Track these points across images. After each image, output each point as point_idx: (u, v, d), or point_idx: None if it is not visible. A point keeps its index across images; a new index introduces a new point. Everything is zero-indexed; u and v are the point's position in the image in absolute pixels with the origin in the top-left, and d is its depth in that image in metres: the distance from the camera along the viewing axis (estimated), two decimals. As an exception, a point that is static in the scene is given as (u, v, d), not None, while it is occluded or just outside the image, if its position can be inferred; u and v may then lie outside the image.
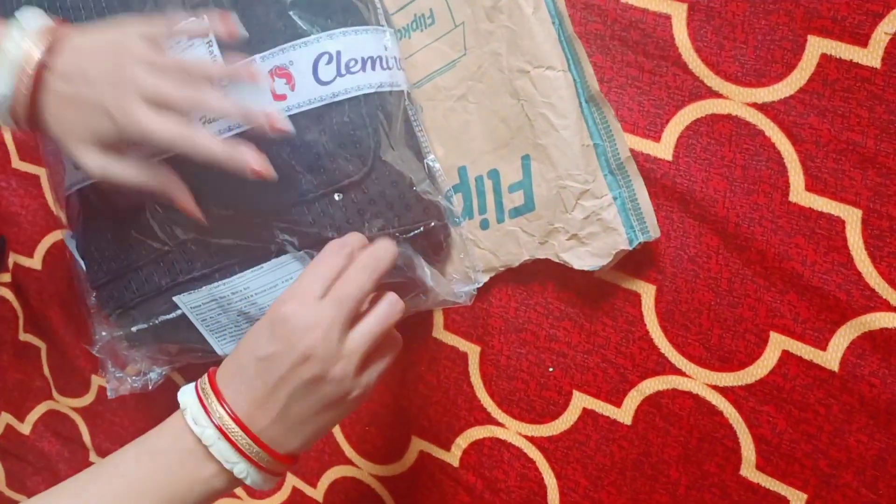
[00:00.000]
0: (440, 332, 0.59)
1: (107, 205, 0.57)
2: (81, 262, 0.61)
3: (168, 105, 0.45)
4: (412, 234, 0.52)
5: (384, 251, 0.45)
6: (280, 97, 0.50)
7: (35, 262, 0.76)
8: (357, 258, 0.44)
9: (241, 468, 0.43)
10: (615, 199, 0.49)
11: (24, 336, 0.80)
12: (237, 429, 0.42)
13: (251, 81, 0.48)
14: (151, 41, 0.47)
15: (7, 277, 0.79)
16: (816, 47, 0.45)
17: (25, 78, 0.46)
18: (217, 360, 0.60)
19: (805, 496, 0.49)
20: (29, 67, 0.46)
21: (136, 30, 0.47)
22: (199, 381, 0.45)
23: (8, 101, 0.46)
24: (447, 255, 0.56)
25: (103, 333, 0.61)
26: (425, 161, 0.53)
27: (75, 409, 0.80)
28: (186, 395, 0.44)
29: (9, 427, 0.84)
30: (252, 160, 0.45)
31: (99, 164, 0.47)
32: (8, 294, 0.79)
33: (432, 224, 0.52)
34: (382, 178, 0.51)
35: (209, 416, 0.43)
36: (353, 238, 0.46)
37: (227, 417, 0.43)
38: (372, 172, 0.50)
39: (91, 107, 0.46)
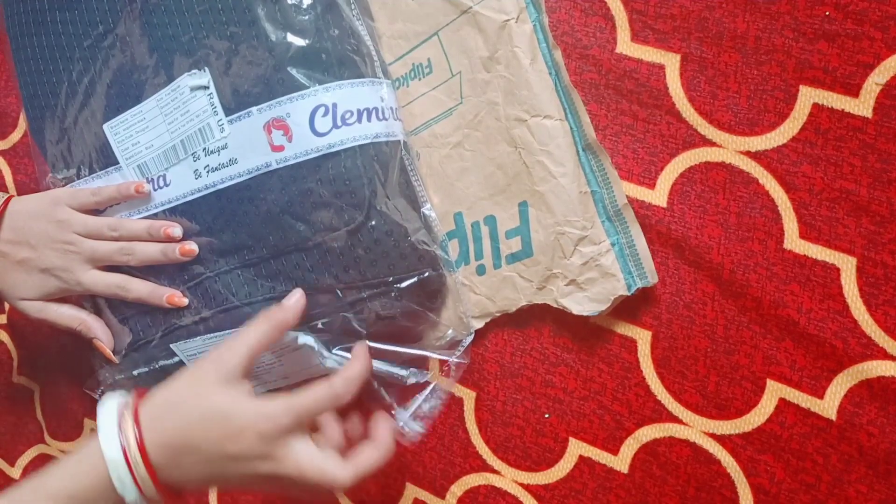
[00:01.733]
0: (436, 378, 0.59)
1: None
2: (87, 305, 0.61)
3: (106, 262, 0.57)
4: (406, 283, 0.52)
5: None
6: (278, 148, 0.51)
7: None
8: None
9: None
10: (613, 245, 0.49)
11: (17, 378, 0.79)
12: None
13: (166, 238, 0.56)
14: (80, 206, 0.57)
15: (3, 319, 0.79)
16: (808, 97, 0.46)
17: None
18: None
19: (805, 547, 0.49)
20: None
21: (65, 199, 0.57)
22: (124, 404, 0.47)
23: None
24: (442, 303, 0.56)
25: (107, 375, 0.61)
26: (421, 210, 0.54)
27: (66, 453, 0.79)
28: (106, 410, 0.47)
29: (-1, 471, 0.83)
30: (171, 298, 0.56)
31: (38, 310, 0.58)
32: (4, 336, 0.79)
33: (427, 273, 0.52)
34: (378, 228, 0.51)
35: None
36: (344, 386, 0.48)
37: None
38: (368, 222, 0.51)
39: (39, 271, 0.56)
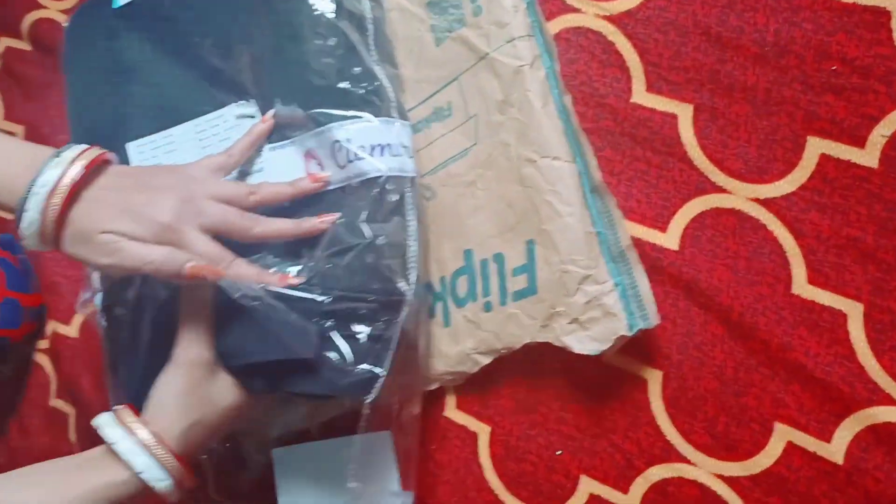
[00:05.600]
0: (452, 412, 0.60)
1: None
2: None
3: (228, 233, 0.50)
4: (367, 307, 0.52)
5: None
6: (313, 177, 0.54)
7: (72, 330, 0.79)
8: None
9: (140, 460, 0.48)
10: (616, 285, 0.50)
11: (54, 402, 0.82)
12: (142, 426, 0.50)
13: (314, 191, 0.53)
14: (217, 172, 0.52)
15: (45, 344, 0.82)
16: (816, 147, 0.47)
17: (56, 200, 0.47)
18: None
19: (812, 593, 0.49)
20: (60, 192, 0.47)
21: (201, 164, 0.52)
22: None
23: (35, 226, 0.47)
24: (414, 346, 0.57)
25: None
26: (406, 249, 0.54)
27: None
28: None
29: (33, 492, 0.86)
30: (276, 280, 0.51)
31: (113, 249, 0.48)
32: (44, 360, 0.82)
33: (381, 301, 0.53)
34: (365, 255, 0.52)
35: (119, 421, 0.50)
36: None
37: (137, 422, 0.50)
38: (355, 247, 0.52)
39: (138, 205, 0.48)
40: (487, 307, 0.55)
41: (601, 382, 0.55)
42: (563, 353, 0.54)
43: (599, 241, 0.50)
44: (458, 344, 0.57)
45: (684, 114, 0.51)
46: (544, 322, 0.53)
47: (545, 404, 0.57)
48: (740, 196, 0.50)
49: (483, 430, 0.59)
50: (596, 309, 0.50)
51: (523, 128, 0.52)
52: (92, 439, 0.80)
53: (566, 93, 0.52)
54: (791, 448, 0.49)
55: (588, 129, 0.53)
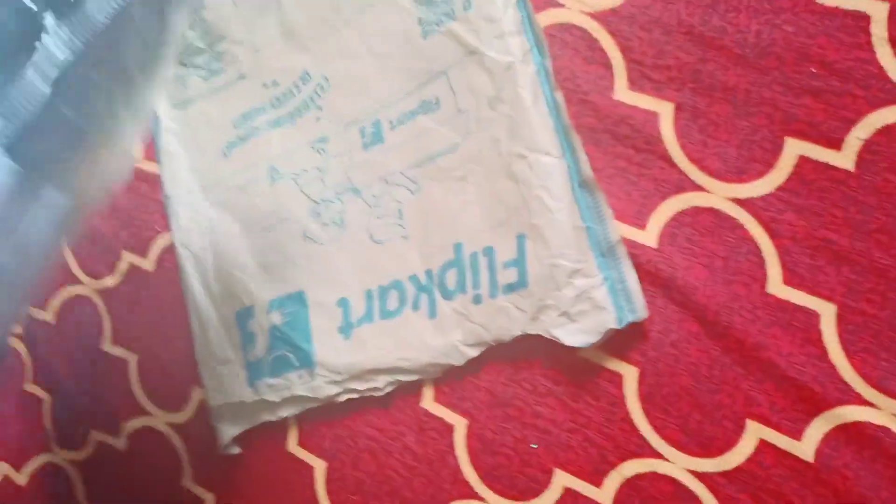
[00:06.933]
0: (429, 403, 0.61)
1: None
2: None
3: None
4: None
5: None
6: None
7: (48, 316, 0.79)
8: None
9: None
10: (605, 279, 0.51)
11: (29, 387, 0.82)
12: None
13: None
14: None
15: (18, 329, 0.82)
16: (794, 149, 0.48)
17: None
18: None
19: (779, 588, 0.50)
20: None
21: None
22: None
23: None
24: None
25: None
26: None
27: (72, 462, 0.81)
28: None
29: (6, 478, 0.85)
30: None
31: None
32: (19, 345, 0.82)
33: None
34: None
35: None
36: None
37: None
38: None
39: None
40: (477, 299, 0.56)
41: (577, 377, 0.55)
42: (540, 347, 0.55)
43: (588, 236, 0.51)
44: (444, 335, 0.57)
45: (665, 112, 0.51)
46: (534, 315, 0.53)
47: (521, 398, 0.57)
48: (719, 195, 0.50)
49: (460, 423, 0.60)
50: (585, 302, 0.51)
51: (514, 124, 0.52)
52: (66, 425, 0.80)
53: (556, 89, 0.53)
54: (763, 446, 0.49)
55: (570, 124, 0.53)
